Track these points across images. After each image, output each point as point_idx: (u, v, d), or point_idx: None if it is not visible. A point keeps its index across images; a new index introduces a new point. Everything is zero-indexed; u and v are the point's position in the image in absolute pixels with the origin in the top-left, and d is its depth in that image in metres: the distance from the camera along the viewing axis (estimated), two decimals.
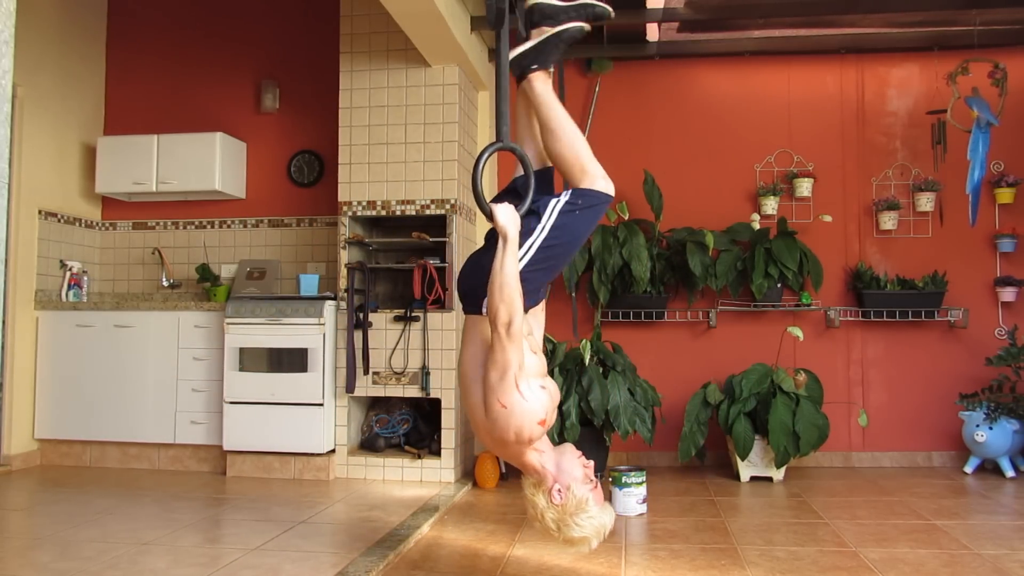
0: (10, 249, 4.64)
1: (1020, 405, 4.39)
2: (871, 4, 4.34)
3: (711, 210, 4.91)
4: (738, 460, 4.34)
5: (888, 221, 4.77)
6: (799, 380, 4.36)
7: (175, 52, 5.39)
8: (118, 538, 3.16)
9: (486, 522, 3.48)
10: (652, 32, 4.74)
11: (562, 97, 2.68)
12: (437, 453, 4.34)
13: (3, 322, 4.56)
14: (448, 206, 4.39)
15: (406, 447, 4.42)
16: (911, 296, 4.66)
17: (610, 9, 2.54)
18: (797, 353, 4.79)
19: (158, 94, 5.39)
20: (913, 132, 4.87)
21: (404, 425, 4.49)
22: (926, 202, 4.76)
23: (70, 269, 5.00)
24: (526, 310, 2.25)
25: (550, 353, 4.33)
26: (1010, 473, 4.35)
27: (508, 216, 2.20)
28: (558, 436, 4.07)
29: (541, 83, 2.45)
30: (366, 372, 4.36)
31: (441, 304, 4.38)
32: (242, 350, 4.44)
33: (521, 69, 2.46)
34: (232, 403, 4.44)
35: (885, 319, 4.75)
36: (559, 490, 2.25)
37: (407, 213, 4.44)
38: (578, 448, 2.40)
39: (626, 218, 4.79)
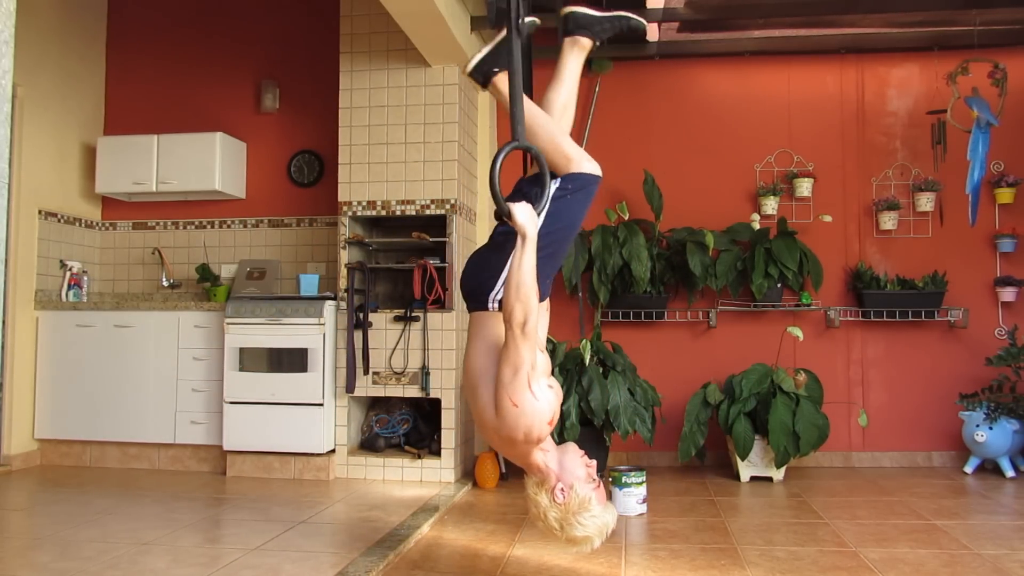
0: (10, 249, 4.64)
1: (1020, 405, 4.39)
2: (871, 4, 4.34)
3: (711, 210, 4.91)
4: (738, 460, 4.34)
5: (888, 221, 4.77)
6: (799, 380, 4.36)
7: (175, 52, 5.39)
8: (118, 538, 3.16)
9: (486, 522, 3.48)
10: (652, 32, 4.74)
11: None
12: (437, 453, 4.34)
13: (3, 322, 4.56)
14: (448, 206, 4.39)
15: (406, 447, 4.42)
16: (911, 296, 4.66)
17: (645, 22, 2.58)
18: (797, 353, 4.79)
19: (158, 94, 5.39)
20: (913, 132, 4.87)
21: (404, 425, 4.49)
22: (926, 202, 4.76)
23: (70, 269, 5.00)
24: None
25: (550, 353, 4.33)
26: (1010, 473, 4.35)
27: (527, 215, 2.20)
28: (558, 436, 4.07)
29: (504, 84, 2.48)
30: (366, 372, 4.36)
31: (441, 304, 4.38)
32: (242, 350, 4.44)
33: (483, 75, 2.51)
34: (232, 403, 4.44)
35: (885, 319, 4.75)
36: (562, 489, 2.26)
37: (407, 213, 4.44)
38: (579, 448, 2.41)
39: (626, 218, 4.79)
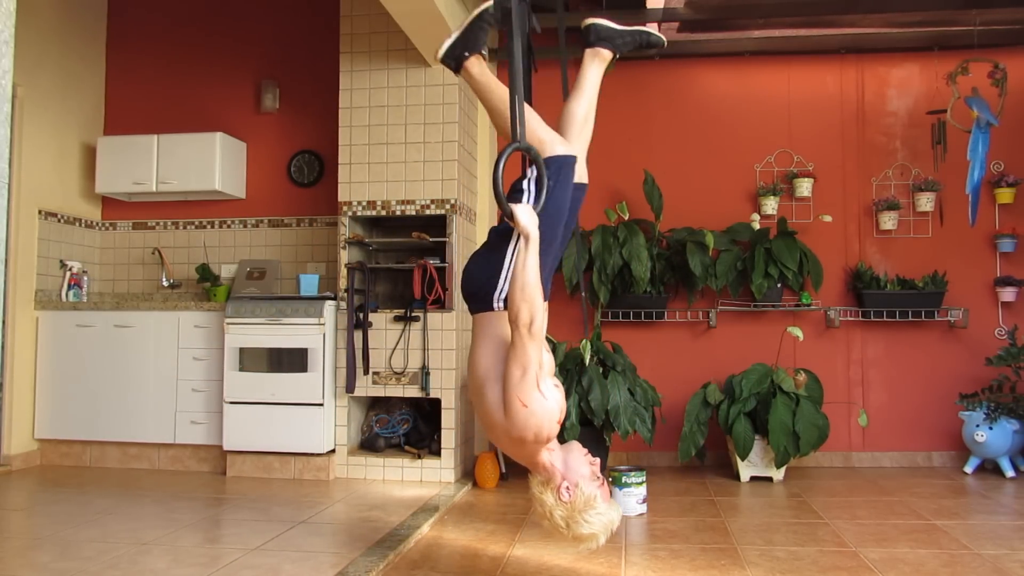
0: (10, 249, 4.64)
1: (1020, 405, 4.39)
2: (871, 4, 4.34)
3: (711, 210, 4.91)
4: (738, 460, 4.34)
5: (888, 221, 4.77)
6: (799, 380, 4.36)
7: (175, 52, 5.39)
8: (118, 538, 3.16)
9: (486, 522, 3.48)
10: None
11: (566, 97, 2.68)
12: (437, 453, 4.34)
13: (3, 322, 4.56)
14: (448, 206, 4.39)
15: (406, 447, 4.42)
16: (911, 296, 4.66)
17: (664, 39, 2.61)
18: (797, 353, 4.79)
19: (158, 94, 5.39)
20: (913, 132, 4.87)
21: (404, 425, 4.49)
22: (926, 202, 4.76)
23: (70, 269, 5.00)
24: None
25: (551, 354, 4.33)
26: (1010, 473, 4.35)
27: (529, 216, 2.21)
28: (558, 436, 4.06)
29: (478, 68, 2.49)
30: (366, 372, 4.36)
31: (441, 304, 4.38)
32: (242, 350, 4.44)
33: (455, 60, 2.49)
34: (232, 403, 4.44)
35: (885, 319, 4.75)
36: (567, 488, 2.27)
37: (407, 213, 4.44)
38: (582, 446, 2.42)
39: (626, 218, 4.80)
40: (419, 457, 4.31)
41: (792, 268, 4.56)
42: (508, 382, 2.19)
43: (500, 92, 2.47)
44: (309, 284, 4.74)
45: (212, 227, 5.29)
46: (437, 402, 4.47)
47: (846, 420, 4.76)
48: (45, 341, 4.77)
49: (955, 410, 4.62)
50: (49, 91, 4.94)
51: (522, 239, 2.20)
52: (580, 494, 2.25)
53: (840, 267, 4.87)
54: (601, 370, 4.27)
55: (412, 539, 3.16)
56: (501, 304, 2.33)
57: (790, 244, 4.62)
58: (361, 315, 4.38)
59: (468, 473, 4.49)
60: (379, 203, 4.47)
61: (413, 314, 4.36)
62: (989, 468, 4.54)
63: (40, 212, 4.85)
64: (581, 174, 2.52)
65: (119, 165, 5.01)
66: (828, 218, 4.76)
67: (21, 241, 4.72)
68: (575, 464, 2.31)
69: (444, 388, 4.31)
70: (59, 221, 5.02)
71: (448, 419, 4.31)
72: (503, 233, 2.38)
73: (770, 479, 4.35)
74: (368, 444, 4.47)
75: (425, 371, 4.31)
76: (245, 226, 5.26)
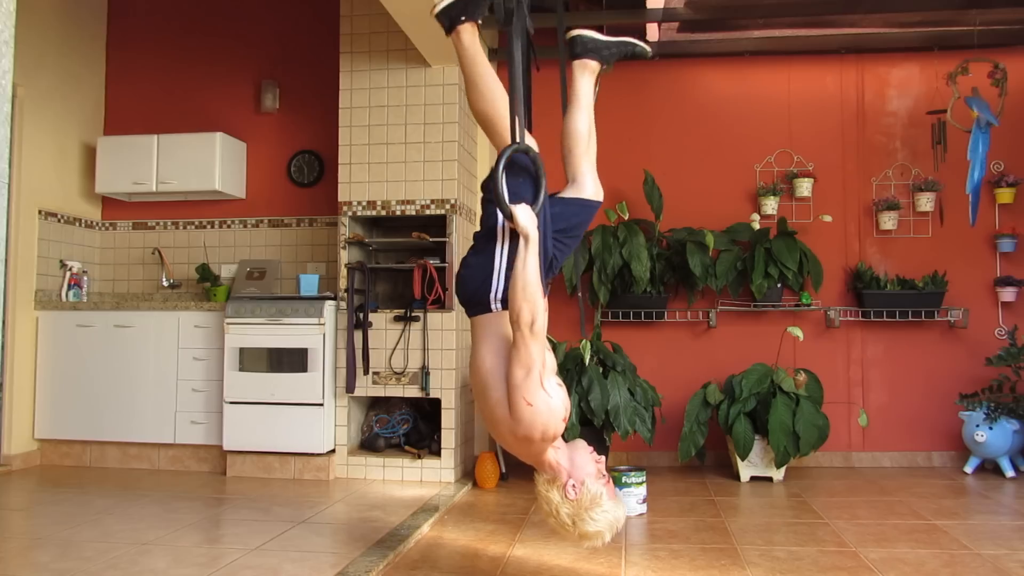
0: (10, 249, 4.64)
1: (1020, 405, 4.39)
2: (871, 4, 4.34)
3: (711, 210, 4.91)
4: (738, 460, 4.34)
5: (888, 221, 4.77)
6: (799, 380, 4.35)
7: (175, 52, 5.39)
8: (118, 538, 3.16)
9: (486, 522, 3.48)
10: (652, 32, 4.74)
11: (564, 102, 2.68)
12: (437, 453, 4.34)
13: (3, 322, 4.56)
14: (448, 206, 4.39)
15: (406, 447, 4.42)
16: (911, 296, 4.66)
17: (649, 49, 2.60)
18: (797, 353, 4.79)
19: (158, 94, 5.39)
20: (913, 132, 4.87)
21: (404, 425, 4.49)
22: (926, 202, 4.76)
23: (70, 269, 5.00)
24: None
25: (552, 354, 4.33)
26: (1010, 473, 4.35)
27: (528, 217, 2.21)
28: None
29: (469, 35, 2.45)
30: (366, 372, 4.36)
31: (441, 304, 4.38)
32: (242, 350, 4.44)
33: (450, 20, 2.46)
34: (232, 403, 4.44)
35: (885, 319, 4.75)
36: (574, 485, 2.28)
37: (407, 213, 4.44)
38: (587, 444, 2.42)
39: (626, 218, 4.80)
40: (419, 457, 4.31)
41: (792, 268, 4.56)
42: (512, 382, 2.19)
43: (485, 69, 2.44)
44: (309, 284, 4.74)
45: (212, 227, 5.29)
46: (437, 402, 4.47)
47: (846, 420, 4.76)
48: (45, 341, 4.77)
49: (955, 410, 4.62)
50: (49, 91, 4.94)
51: (521, 239, 2.20)
52: (586, 492, 2.26)
53: (840, 267, 4.87)
54: (601, 370, 4.27)
55: (412, 539, 3.16)
56: (499, 305, 2.33)
57: (790, 244, 4.62)
58: (361, 315, 4.38)
59: (468, 473, 4.49)
60: (379, 203, 4.47)
61: (413, 314, 4.36)
62: (989, 468, 4.54)
63: (40, 212, 4.85)
64: (596, 191, 2.51)
65: (119, 165, 5.01)
66: (828, 218, 4.76)
67: (21, 241, 4.72)
68: (581, 462, 2.32)
69: (444, 388, 4.31)
70: (59, 221, 5.02)
71: (448, 419, 4.31)
72: (487, 235, 2.39)
73: (770, 479, 4.35)
74: (368, 444, 4.47)
75: (425, 371, 4.31)
76: (245, 226, 5.26)
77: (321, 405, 4.36)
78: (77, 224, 5.18)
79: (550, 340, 4.38)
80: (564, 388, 2.30)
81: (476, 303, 2.38)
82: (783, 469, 4.34)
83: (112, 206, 5.40)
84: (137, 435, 4.65)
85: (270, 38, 5.29)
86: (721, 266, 4.67)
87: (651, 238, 4.77)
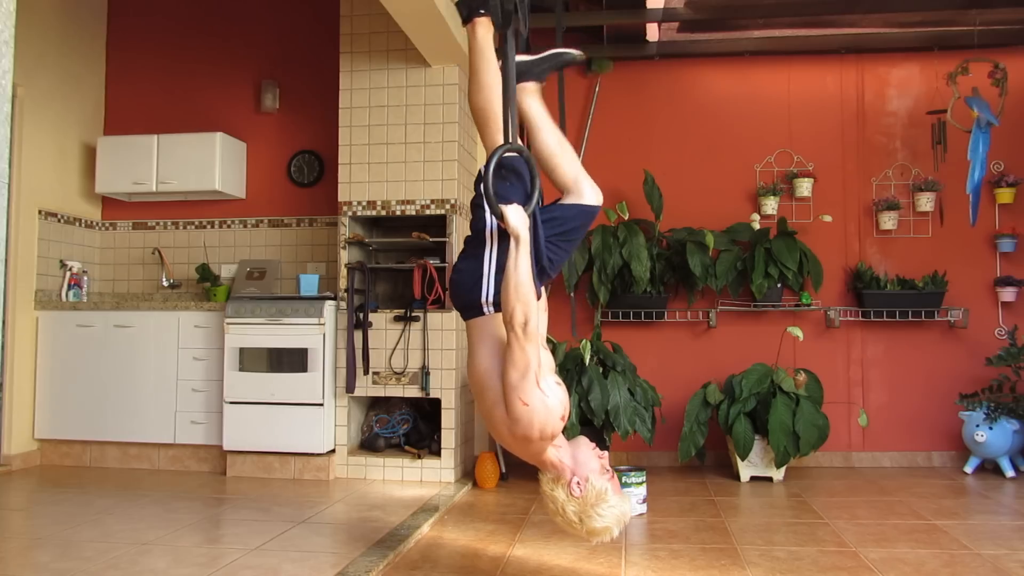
0: (10, 249, 4.63)
1: (1020, 405, 4.39)
2: (871, 4, 4.34)
3: (711, 210, 4.91)
4: (738, 460, 4.34)
5: (888, 221, 4.77)
6: (799, 380, 4.35)
7: (175, 52, 5.39)
8: (118, 538, 3.17)
9: (486, 522, 3.48)
10: (652, 32, 4.74)
11: (562, 103, 2.68)
12: (437, 453, 4.34)
13: (3, 322, 4.56)
14: (448, 206, 4.39)
15: (406, 447, 4.42)
16: (911, 296, 4.66)
17: (579, 53, 2.58)
18: (797, 353, 4.79)
19: (158, 94, 5.39)
20: (913, 132, 4.87)
21: (404, 425, 4.49)
22: (926, 202, 4.76)
23: (70, 269, 5.00)
24: None
25: (550, 353, 4.33)
26: (1010, 473, 4.35)
27: (519, 217, 2.21)
28: None
29: (483, 29, 2.44)
30: (366, 372, 4.36)
31: (441, 304, 4.37)
32: (242, 350, 4.44)
33: (469, 9, 2.44)
34: (232, 403, 4.44)
35: (885, 319, 4.75)
36: (578, 483, 2.28)
37: (407, 213, 4.44)
38: (589, 441, 2.42)
39: (626, 218, 4.80)
40: (419, 457, 4.31)
41: (792, 268, 4.56)
42: (507, 382, 2.20)
43: (489, 65, 2.43)
44: (309, 284, 4.74)
45: (212, 227, 5.29)
46: (437, 402, 4.47)
47: (846, 420, 4.76)
48: (45, 341, 4.77)
49: (955, 410, 4.62)
50: (49, 91, 4.94)
51: (512, 240, 2.20)
52: (591, 488, 2.26)
53: (840, 267, 4.87)
54: (601, 370, 4.27)
55: (412, 539, 3.16)
56: (491, 308, 2.34)
57: (790, 244, 4.62)
58: (361, 315, 4.38)
59: (468, 473, 4.49)
60: (379, 203, 4.47)
61: (413, 314, 4.36)
62: (989, 468, 4.54)
63: (40, 212, 4.85)
64: (594, 195, 2.48)
65: (119, 165, 5.01)
66: (828, 218, 4.76)
67: (21, 241, 4.72)
68: (584, 459, 2.32)
69: (444, 388, 4.31)
70: (59, 221, 5.02)
71: (448, 419, 4.31)
72: (475, 239, 2.40)
73: (770, 479, 4.35)
74: (368, 444, 4.47)
75: (425, 371, 4.31)
76: (245, 226, 5.26)
77: (321, 405, 4.36)
78: (77, 224, 5.18)
79: (550, 340, 4.39)
80: (563, 387, 2.30)
81: (469, 307, 2.39)
82: (783, 469, 4.34)
83: (112, 206, 5.40)
84: (137, 435, 4.65)
85: (270, 38, 5.29)
86: (721, 266, 4.67)
87: (651, 238, 4.77)
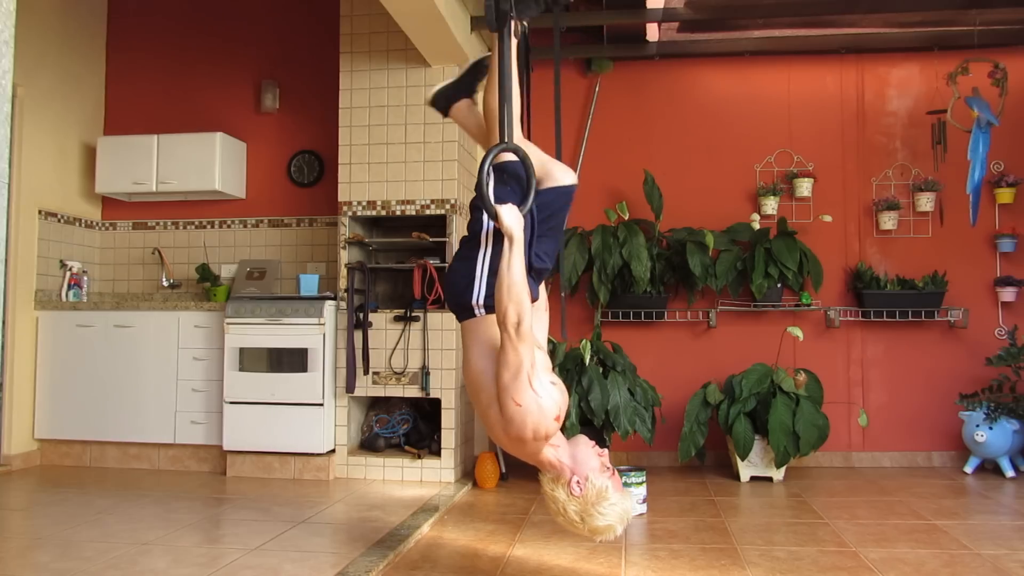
0: (10, 249, 4.64)
1: (1020, 405, 4.39)
2: (871, 4, 4.34)
3: (711, 210, 4.91)
4: (738, 460, 4.34)
5: (888, 221, 4.77)
6: (799, 380, 4.35)
7: (175, 52, 5.39)
8: (118, 538, 3.17)
9: (486, 522, 3.48)
10: (652, 32, 4.74)
11: (557, 99, 2.69)
12: (437, 453, 4.34)
13: (3, 322, 4.56)
14: (448, 206, 4.39)
15: (406, 447, 4.42)
16: (911, 296, 4.66)
17: (487, 55, 2.67)
18: (797, 353, 4.79)
19: (158, 94, 5.39)
20: (913, 132, 4.86)
21: (404, 425, 4.49)
22: (926, 202, 4.76)
23: (70, 269, 5.00)
24: None
25: (550, 353, 4.33)
26: (1010, 473, 4.35)
27: (513, 217, 2.21)
28: None
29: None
30: (366, 372, 4.36)
31: (441, 304, 4.37)
32: (242, 350, 4.44)
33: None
34: (232, 403, 4.44)
35: (885, 319, 4.75)
36: (578, 482, 2.27)
37: (407, 213, 4.44)
38: (589, 439, 2.42)
39: (626, 218, 4.80)
40: (419, 457, 4.31)
41: (792, 268, 4.56)
42: (500, 383, 2.20)
43: (492, 126, 2.50)
44: (309, 284, 4.74)
45: (212, 227, 5.29)
46: (437, 402, 4.47)
47: (846, 420, 4.76)
48: (45, 341, 4.77)
49: (955, 410, 4.62)
50: (49, 91, 4.94)
51: (506, 240, 2.19)
52: (592, 487, 2.26)
53: (840, 267, 4.87)
54: (601, 370, 4.27)
55: (412, 539, 3.16)
56: (482, 310, 2.34)
57: (790, 244, 4.62)
58: (361, 315, 4.38)
59: (468, 473, 4.49)
60: (379, 203, 4.47)
61: (413, 314, 4.36)
62: (989, 468, 4.54)
63: (40, 212, 4.86)
64: (567, 175, 2.45)
65: (119, 165, 5.01)
66: (828, 218, 4.76)
67: (21, 241, 4.72)
68: (583, 457, 2.31)
69: (444, 388, 4.31)
70: (59, 221, 5.02)
71: (448, 419, 4.31)
72: (471, 241, 2.40)
73: (770, 479, 4.35)
74: (368, 444, 4.47)
75: (425, 371, 4.31)
76: (245, 226, 5.26)
77: (321, 405, 4.36)
78: (77, 224, 5.18)
79: (550, 340, 4.39)
80: (560, 386, 2.29)
81: (461, 308, 2.39)
82: (783, 469, 4.34)
83: (112, 206, 5.40)
84: (137, 435, 4.65)
85: (270, 38, 5.29)
86: (721, 266, 4.67)
87: (651, 238, 4.76)
